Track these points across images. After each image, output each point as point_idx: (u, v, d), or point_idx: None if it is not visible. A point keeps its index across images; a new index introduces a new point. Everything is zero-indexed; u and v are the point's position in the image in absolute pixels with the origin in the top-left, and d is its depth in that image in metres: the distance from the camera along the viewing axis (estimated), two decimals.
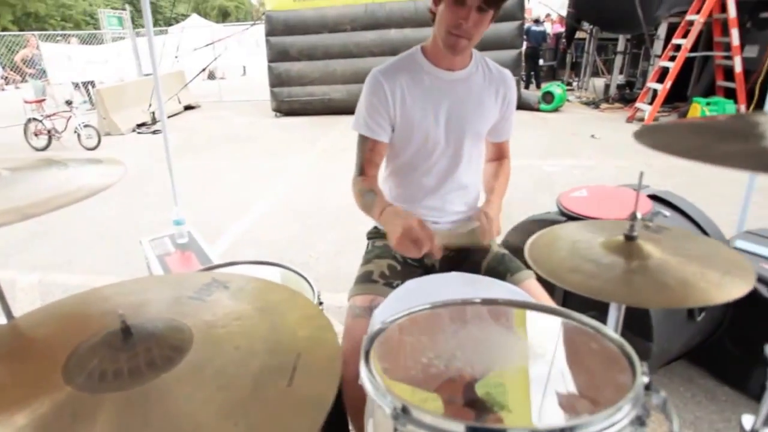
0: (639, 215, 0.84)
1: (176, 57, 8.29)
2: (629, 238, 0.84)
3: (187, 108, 9.01)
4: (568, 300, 1.62)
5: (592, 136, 5.75)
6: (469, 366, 0.58)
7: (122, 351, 0.55)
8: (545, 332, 0.66)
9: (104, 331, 0.60)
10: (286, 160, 5.38)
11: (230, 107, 9.35)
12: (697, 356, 1.86)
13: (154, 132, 7.15)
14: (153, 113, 7.46)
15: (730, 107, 5.85)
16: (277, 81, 7.76)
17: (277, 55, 7.63)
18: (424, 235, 1.00)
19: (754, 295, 1.69)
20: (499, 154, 1.44)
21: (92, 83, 9.55)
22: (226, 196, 4.22)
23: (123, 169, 0.85)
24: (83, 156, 0.91)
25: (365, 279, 1.24)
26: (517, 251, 1.36)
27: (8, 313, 0.85)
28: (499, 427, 0.50)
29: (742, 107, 5.91)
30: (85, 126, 6.23)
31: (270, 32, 7.56)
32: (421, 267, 1.37)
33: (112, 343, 0.57)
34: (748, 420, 0.72)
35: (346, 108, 7.70)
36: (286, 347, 0.60)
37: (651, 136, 0.60)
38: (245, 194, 4.25)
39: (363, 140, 1.27)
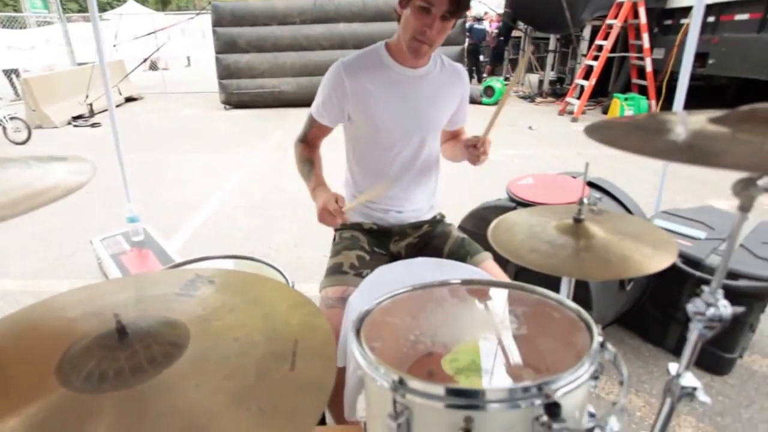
0: (586, 200, 0.92)
1: (114, 46, 7.68)
2: (578, 220, 0.92)
3: (129, 100, 8.41)
4: (519, 277, 1.74)
5: (530, 127, 6.06)
6: (451, 341, 0.63)
7: (119, 350, 0.53)
8: (514, 306, 0.72)
9: (94, 333, 0.58)
10: (239, 154, 5.20)
11: (176, 99, 8.79)
12: (626, 320, 2.07)
13: (93, 125, 6.60)
14: (91, 105, 6.87)
15: (643, 102, 6.39)
16: (225, 73, 7.43)
17: (225, 47, 7.30)
18: (337, 210, 1.14)
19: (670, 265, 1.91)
20: (455, 134, 1.51)
21: (16, 72, 8.61)
22: (178, 192, 4.02)
23: (92, 167, 0.80)
24: (43, 154, 0.84)
25: (336, 271, 1.26)
26: (473, 235, 1.44)
27: None
28: (479, 388, 0.55)
29: (653, 102, 6.47)
30: (12, 118, 5.63)
31: (217, 23, 7.20)
32: (388, 255, 1.41)
33: (107, 344, 0.55)
34: (673, 366, 0.83)
35: (296, 101, 7.53)
36: (283, 335, 0.61)
37: (599, 133, 0.67)
38: (199, 189, 4.06)
39: (311, 119, 1.34)
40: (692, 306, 0.77)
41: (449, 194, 1.56)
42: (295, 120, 6.89)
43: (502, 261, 1.17)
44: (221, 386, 0.51)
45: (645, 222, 1.03)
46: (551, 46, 8.88)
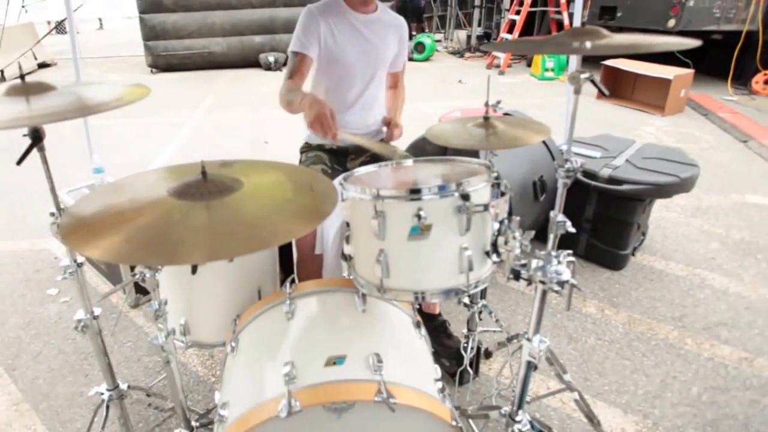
0: (491, 103, 1.35)
1: (23, 7, 7.10)
2: (486, 118, 1.35)
3: (42, 66, 7.82)
4: None
5: (460, 81, 6.59)
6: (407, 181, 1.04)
7: (205, 183, 0.86)
8: (446, 167, 1.14)
9: (185, 179, 0.87)
10: (177, 116, 5.32)
11: (95, 64, 8.39)
12: (542, 235, 2.62)
13: None
14: (2, 72, 6.65)
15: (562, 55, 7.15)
16: (151, 34, 7.26)
17: (149, 6, 7.16)
18: (331, 123, 1.35)
19: (574, 180, 2.47)
20: (394, 83, 1.91)
21: None
22: (120, 154, 4.16)
23: (146, 89, 1.08)
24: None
25: None
26: None
27: None
28: (427, 185, 0.94)
29: None
30: None
31: None
32: (345, 171, 1.79)
33: (196, 181, 0.87)
34: (552, 212, 1.30)
35: (227, 62, 7.62)
36: (302, 181, 0.99)
37: (493, 46, 1.08)
38: (142, 150, 4.23)
39: (294, 55, 1.64)
40: (556, 163, 1.24)
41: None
42: (227, 82, 7.02)
43: None
44: (274, 197, 0.89)
45: (530, 120, 1.50)
46: (477, 2, 9.40)
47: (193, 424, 1.24)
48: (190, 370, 1.82)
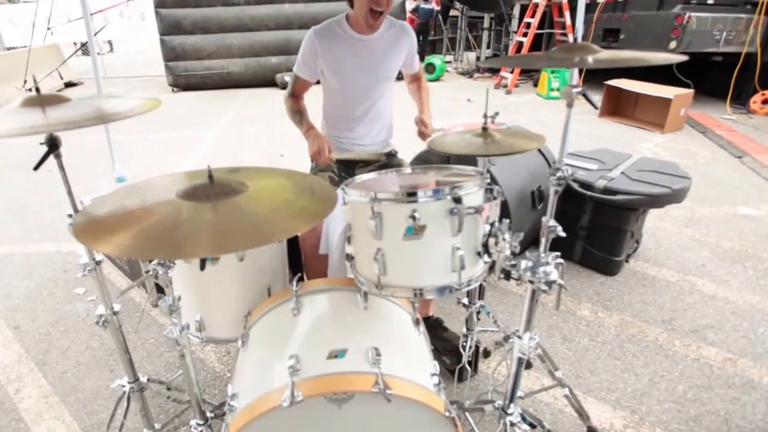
0: (489, 116, 1.37)
1: (49, 29, 7.29)
2: (485, 129, 1.37)
3: (69, 85, 8.04)
4: None
5: (468, 100, 6.62)
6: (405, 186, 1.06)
7: (212, 186, 0.88)
8: (442, 174, 1.15)
9: (190, 184, 0.91)
10: (198, 131, 5.38)
11: (119, 84, 8.55)
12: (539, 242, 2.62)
13: None
14: (30, 90, 6.64)
15: (568, 74, 7.12)
16: (171, 55, 7.39)
17: (169, 28, 7.26)
18: (327, 156, 1.58)
19: (570, 190, 2.45)
20: (415, 78, 1.93)
21: None
22: (143, 167, 4.19)
23: (156, 101, 1.13)
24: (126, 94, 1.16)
25: None
26: None
27: None
28: (421, 189, 0.96)
29: (576, 74, 7.22)
30: None
31: (159, 4, 7.12)
32: (351, 177, 1.82)
33: (203, 185, 0.89)
34: (545, 218, 1.30)
35: (244, 82, 7.69)
36: (303, 184, 1.00)
37: (489, 61, 1.11)
38: (163, 163, 4.27)
39: (296, 76, 1.72)
40: (548, 172, 1.24)
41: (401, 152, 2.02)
42: (245, 100, 7.11)
43: None
44: (277, 198, 0.91)
45: (525, 130, 1.51)
46: (486, 25, 9.48)
47: (208, 415, 1.26)
48: (207, 365, 1.85)
